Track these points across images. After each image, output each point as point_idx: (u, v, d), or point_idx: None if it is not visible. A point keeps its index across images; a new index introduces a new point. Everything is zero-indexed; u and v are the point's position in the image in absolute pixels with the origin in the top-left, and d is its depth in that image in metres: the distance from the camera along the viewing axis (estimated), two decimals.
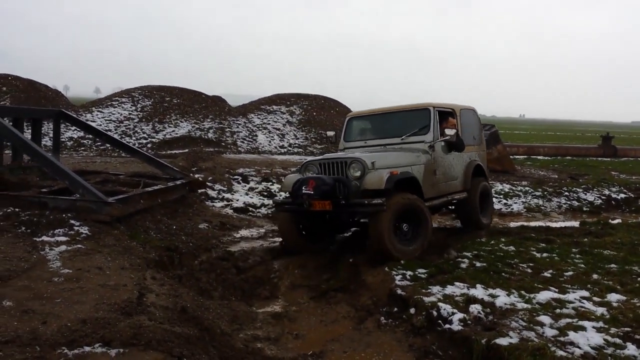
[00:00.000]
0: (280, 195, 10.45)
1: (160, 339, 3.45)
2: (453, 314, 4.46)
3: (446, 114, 7.77)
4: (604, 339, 3.95)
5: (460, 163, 8.01)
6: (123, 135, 18.02)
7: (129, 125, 19.03)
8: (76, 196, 6.44)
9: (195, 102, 21.56)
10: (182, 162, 12.23)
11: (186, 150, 16.26)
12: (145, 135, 18.48)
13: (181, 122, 19.74)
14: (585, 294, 5.06)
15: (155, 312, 4.05)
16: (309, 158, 7.31)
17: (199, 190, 9.48)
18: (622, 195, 13.11)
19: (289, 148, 19.69)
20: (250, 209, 9.72)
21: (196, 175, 10.40)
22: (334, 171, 6.62)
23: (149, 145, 17.61)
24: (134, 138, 18.10)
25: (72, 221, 5.88)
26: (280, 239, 7.40)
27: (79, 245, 5.32)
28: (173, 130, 19.01)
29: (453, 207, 8.38)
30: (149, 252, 5.83)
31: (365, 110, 8.79)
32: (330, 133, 8.44)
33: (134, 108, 20.20)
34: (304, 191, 6.18)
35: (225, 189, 10.36)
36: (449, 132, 7.08)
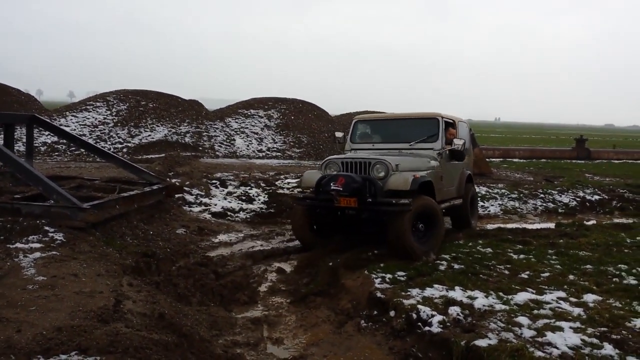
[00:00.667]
0: (259, 199, 10.44)
1: (138, 346, 3.39)
2: (432, 316, 4.48)
3: (448, 124, 8.19)
4: (581, 339, 4.00)
5: (457, 171, 8.47)
6: (98, 140, 17.76)
7: (104, 129, 18.76)
8: (50, 202, 6.33)
9: (171, 106, 21.35)
10: (158, 166, 12.10)
11: (163, 154, 16.09)
12: (120, 139, 18.24)
13: (157, 126, 19.54)
14: (562, 294, 5.12)
15: (132, 319, 3.99)
16: (330, 156, 7.62)
17: (176, 195, 9.39)
18: (596, 197, 13.35)
19: (267, 152, 19.63)
20: (229, 213, 9.67)
21: (173, 180, 10.30)
22: (355, 170, 6.94)
23: (124, 150, 17.39)
24: (109, 143, 17.86)
25: (47, 227, 5.77)
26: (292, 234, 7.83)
27: (54, 252, 5.22)
28: (149, 135, 18.81)
29: (444, 210, 8.60)
30: (125, 258, 5.75)
31: (373, 115, 9.52)
32: (339, 134, 8.75)
33: (109, 112, 19.94)
34: (332, 187, 6.46)
35: (203, 193, 10.29)
36: (458, 142, 7.51)
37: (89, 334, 3.46)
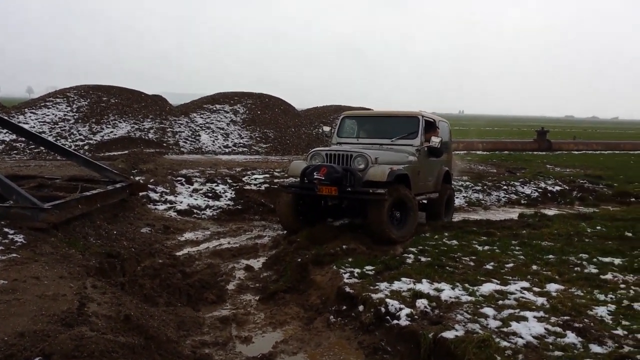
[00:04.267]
0: (226, 196, 10.35)
1: (104, 350, 3.33)
2: (400, 309, 4.52)
3: (429, 124, 8.59)
4: (545, 328, 4.09)
5: (435, 168, 8.89)
6: (58, 138, 17.31)
7: (65, 126, 18.30)
8: (9, 203, 6.16)
9: (134, 101, 20.94)
10: (121, 164, 11.88)
11: (126, 151, 15.81)
12: (82, 137, 17.83)
13: (120, 122, 19.16)
14: (526, 284, 5.24)
15: (97, 322, 3.91)
16: (316, 148, 8.30)
17: (140, 194, 9.24)
18: (558, 188, 13.69)
19: (234, 147, 19.47)
20: (195, 211, 9.57)
21: (137, 178, 10.12)
22: (338, 162, 7.48)
23: (86, 148, 17.01)
24: (70, 140, 17.43)
25: (6, 229, 5.61)
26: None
27: (14, 255, 5.08)
28: (111, 131, 18.43)
29: (421, 202, 8.77)
30: (88, 259, 5.63)
31: (359, 112, 10.44)
32: (327, 128, 9.54)
33: (69, 109, 19.44)
34: (315, 176, 7.07)
35: (168, 191, 10.15)
36: (435, 139, 8.04)
37: (52, 338, 3.38)
